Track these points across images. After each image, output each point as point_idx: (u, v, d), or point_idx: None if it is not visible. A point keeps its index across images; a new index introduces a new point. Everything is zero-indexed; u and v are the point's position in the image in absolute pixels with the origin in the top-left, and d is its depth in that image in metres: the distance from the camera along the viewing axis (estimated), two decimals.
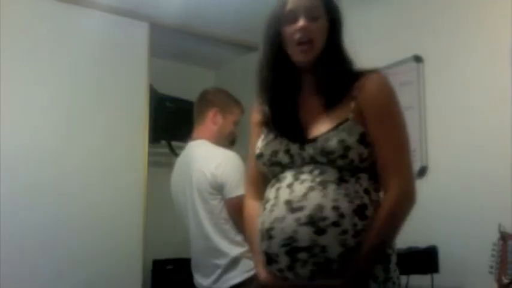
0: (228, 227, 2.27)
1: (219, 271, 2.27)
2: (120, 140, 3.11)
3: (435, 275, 2.37)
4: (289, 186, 1.37)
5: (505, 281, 1.98)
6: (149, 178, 3.19)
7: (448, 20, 2.64)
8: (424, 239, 2.40)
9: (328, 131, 1.38)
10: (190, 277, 2.46)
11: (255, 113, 1.59)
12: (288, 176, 1.40)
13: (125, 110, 3.17)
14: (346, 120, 1.39)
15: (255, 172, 1.56)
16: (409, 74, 2.76)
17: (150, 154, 3.28)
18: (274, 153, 1.44)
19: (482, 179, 2.38)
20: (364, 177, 1.40)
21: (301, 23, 1.41)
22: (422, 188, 2.57)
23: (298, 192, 1.35)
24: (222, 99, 2.52)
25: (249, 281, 2.12)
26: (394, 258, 1.44)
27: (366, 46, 2.88)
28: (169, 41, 3.72)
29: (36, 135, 2.86)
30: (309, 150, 1.39)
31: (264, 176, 1.52)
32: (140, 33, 3.28)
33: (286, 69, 1.47)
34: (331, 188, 1.34)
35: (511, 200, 2.21)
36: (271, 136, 1.47)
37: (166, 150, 3.78)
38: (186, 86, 4.01)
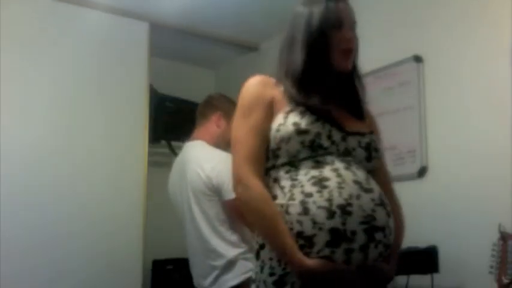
0: (224, 229, 2.27)
1: (216, 272, 2.27)
2: (120, 140, 3.11)
3: (435, 275, 2.37)
4: (348, 169, 1.38)
5: (505, 281, 1.98)
6: (149, 178, 3.19)
7: (448, 20, 2.64)
8: (424, 239, 2.40)
9: (371, 133, 1.51)
10: (190, 277, 2.46)
11: (269, 87, 1.50)
12: (337, 161, 1.39)
13: (125, 110, 3.17)
14: (372, 132, 1.54)
15: (258, 148, 1.43)
16: (409, 74, 2.76)
17: (150, 154, 3.28)
18: (318, 135, 1.40)
19: (482, 179, 2.38)
20: None
21: (350, 33, 1.49)
22: (422, 188, 2.60)
23: (360, 175, 1.39)
24: (227, 105, 2.52)
25: (246, 283, 2.12)
26: None
27: (366, 46, 2.89)
28: (169, 41, 3.72)
29: (36, 135, 2.86)
30: (352, 142, 1.44)
31: (265, 155, 1.44)
32: (140, 33, 3.28)
33: (325, 69, 1.48)
34: (371, 180, 1.42)
35: (511, 200, 2.21)
36: (312, 117, 1.41)
37: (166, 150, 3.78)
38: (186, 86, 4.01)
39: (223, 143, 2.46)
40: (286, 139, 1.40)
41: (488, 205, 2.32)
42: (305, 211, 1.32)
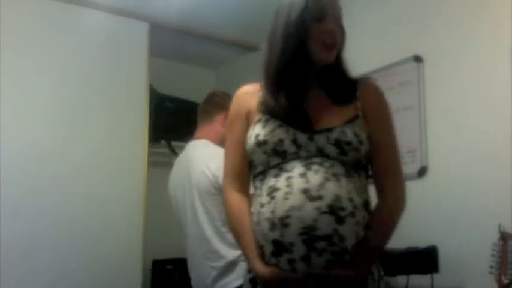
0: (226, 229, 2.25)
1: (214, 274, 2.26)
2: (120, 140, 3.11)
3: (435, 275, 2.37)
4: (303, 175, 1.36)
5: (505, 281, 1.98)
6: (149, 178, 3.19)
7: (448, 19, 2.64)
8: (424, 239, 2.40)
9: (344, 124, 1.41)
10: (190, 277, 2.46)
11: (245, 99, 1.56)
12: (297, 166, 1.38)
13: (125, 110, 3.17)
14: (357, 116, 1.45)
15: (239, 163, 1.52)
16: (409, 74, 2.76)
17: (150, 154, 3.28)
18: (280, 141, 1.40)
19: (482, 179, 2.38)
20: (362, 174, 1.45)
21: (332, 27, 1.46)
22: (422, 188, 2.60)
23: (314, 181, 1.34)
24: (230, 103, 2.51)
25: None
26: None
27: (366, 46, 2.90)
28: (169, 41, 3.72)
29: (36, 135, 2.86)
30: (320, 140, 1.39)
31: (248, 168, 1.51)
32: (140, 33, 3.28)
33: (302, 62, 1.47)
34: (343, 180, 1.37)
35: (511, 200, 2.21)
36: (275, 123, 1.43)
37: (166, 150, 3.78)
38: (186, 86, 4.01)
39: None
40: (251, 151, 1.46)
41: (488, 205, 2.32)
42: (257, 222, 1.40)
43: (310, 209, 1.32)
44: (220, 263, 2.24)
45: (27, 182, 2.78)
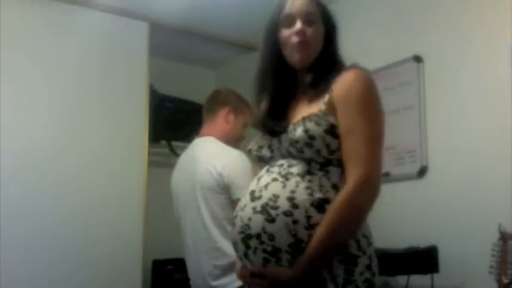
0: (231, 228, 2.24)
1: (217, 272, 2.25)
2: (120, 140, 3.11)
3: (435, 275, 2.37)
4: (259, 178, 1.45)
5: (505, 281, 1.98)
6: (149, 178, 3.19)
7: (448, 20, 2.64)
8: (424, 239, 2.40)
9: (297, 121, 1.42)
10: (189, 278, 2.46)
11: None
12: (263, 170, 1.48)
13: (125, 110, 3.16)
14: (318, 110, 1.41)
15: None
16: (409, 74, 2.76)
17: (150, 154, 3.27)
18: (260, 148, 1.53)
19: (482, 179, 2.38)
20: (334, 171, 1.39)
21: (298, 26, 1.48)
22: (423, 188, 2.60)
23: (262, 183, 1.42)
24: (234, 99, 2.51)
25: None
26: (363, 261, 1.36)
27: (366, 46, 2.90)
28: (169, 41, 3.72)
29: (36, 135, 2.85)
30: (285, 142, 1.45)
31: None
32: (140, 33, 3.28)
33: (282, 71, 1.54)
34: (293, 180, 1.38)
35: (511, 200, 2.21)
36: (261, 135, 1.56)
37: (166, 150, 3.78)
38: (186, 86, 4.01)
39: (232, 139, 2.44)
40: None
41: (488, 205, 2.32)
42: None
43: (248, 209, 1.41)
44: (224, 262, 2.22)
45: (27, 182, 2.78)
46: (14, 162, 2.75)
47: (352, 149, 1.36)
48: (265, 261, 1.36)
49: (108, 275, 2.92)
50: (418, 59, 2.74)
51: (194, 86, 4.09)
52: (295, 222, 1.33)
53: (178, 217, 2.46)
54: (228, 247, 2.21)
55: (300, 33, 1.48)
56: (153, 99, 3.50)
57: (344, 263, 1.34)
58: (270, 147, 1.50)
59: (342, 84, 1.42)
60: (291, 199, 1.35)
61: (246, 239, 1.39)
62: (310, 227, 1.33)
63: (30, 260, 2.72)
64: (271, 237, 1.34)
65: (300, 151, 1.40)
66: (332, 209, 1.33)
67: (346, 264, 1.34)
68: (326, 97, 1.43)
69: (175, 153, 3.69)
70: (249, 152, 1.58)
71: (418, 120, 2.68)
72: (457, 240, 2.40)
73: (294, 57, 1.50)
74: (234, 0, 3.27)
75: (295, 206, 1.34)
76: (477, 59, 2.49)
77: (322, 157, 1.38)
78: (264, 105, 1.55)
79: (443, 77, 2.63)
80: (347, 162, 1.37)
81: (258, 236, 1.36)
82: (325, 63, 1.51)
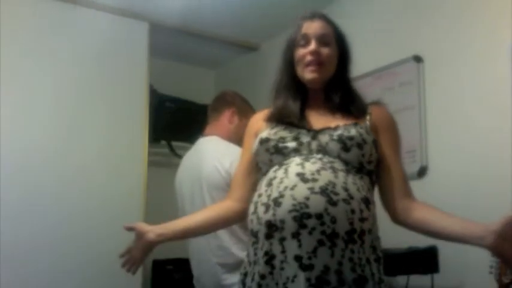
0: (238, 226, 2.24)
1: (222, 271, 2.25)
2: (120, 140, 3.11)
3: (435, 275, 2.37)
4: (300, 164, 1.40)
5: (505, 281, 1.98)
6: (149, 178, 3.19)
7: (448, 19, 2.64)
8: (424, 239, 2.38)
9: (348, 124, 1.46)
10: (190, 277, 2.46)
11: (257, 119, 1.66)
12: (297, 159, 1.43)
13: (125, 110, 3.17)
14: (364, 122, 1.50)
15: (243, 176, 1.64)
16: (409, 74, 2.76)
17: (150, 154, 3.28)
18: (282, 139, 1.47)
19: (482, 179, 2.38)
20: (366, 179, 1.46)
21: (312, 46, 1.52)
22: (423, 188, 2.57)
23: (310, 168, 1.38)
24: (240, 102, 2.51)
25: None
26: (382, 263, 1.45)
27: (366, 46, 2.90)
28: (169, 41, 3.72)
29: (36, 135, 2.86)
30: (323, 138, 1.44)
31: (249, 181, 1.59)
32: (140, 33, 3.28)
33: (294, 86, 1.58)
34: (341, 174, 1.39)
35: (511, 200, 2.21)
36: (281, 127, 1.51)
37: (166, 150, 3.78)
38: (186, 86, 4.02)
39: (236, 140, 2.44)
40: (256, 153, 1.53)
41: (488, 205, 2.32)
42: (254, 210, 1.43)
43: (302, 188, 1.35)
44: (228, 261, 2.22)
45: (27, 182, 2.78)
46: (14, 162, 2.75)
47: (403, 176, 1.54)
48: (319, 243, 1.32)
49: (108, 275, 2.91)
50: (418, 59, 2.74)
51: (194, 86, 4.10)
52: (352, 211, 1.35)
53: (183, 215, 2.46)
54: (233, 246, 2.21)
55: (314, 53, 1.51)
56: (153, 99, 3.51)
57: (377, 262, 1.42)
58: (296, 139, 1.46)
59: (383, 115, 1.57)
60: (346, 189, 1.36)
61: (301, 218, 1.32)
62: (362, 220, 1.37)
63: (30, 259, 2.72)
64: (333, 220, 1.32)
65: (346, 149, 1.42)
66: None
67: (378, 263, 1.42)
68: (367, 118, 1.52)
69: (175, 153, 3.70)
70: (265, 142, 1.50)
71: (418, 120, 2.68)
72: None
73: (308, 75, 1.53)
74: (234, 1, 3.27)
75: (350, 196, 1.36)
76: (477, 59, 2.49)
77: (359, 163, 1.44)
78: (281, 102, 1.57)
79: (443, 77, 2.63)
80: (401, 183, 1.53)
81: (320, 216, 1.32)
82: (340, 84, 1.56)
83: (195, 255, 2.41)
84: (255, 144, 1.53)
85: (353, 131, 1.44)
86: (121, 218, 3.03)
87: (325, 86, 1.56)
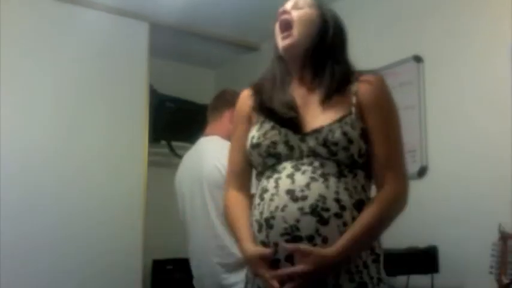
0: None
1: (222, 271, 2.25)
2: (120, 140, 3.11)
3: (435, 275, 2.37)
4: (290, 176, 1.36)
5: (505, 281, 1.98)
6: (149, 178, 3.19)
7: (448, 19, 2.64)
8: (424, 239, 2.40)
9: (333, 123, 1.38)
10: (190, 277, 2.46)
11: (245, 100, 1.57)
12: (288, 167, 1.38)
13: (125, 110, 3.17)
14: (349, 113, 1.40)
15: (240, 163, 1.55)
16: (409, 74, 2.76)
17: (150, 154, 3.28)
18: (273, 144, 1.41)
19: (482, 179, 2.38)
20: (360, 174, 1.41)
21: (285, 7, 1.47)
22: (423, 188, 2.60)
23: (300, 182, 1.34)
24: None
25: None
26: (382, 260, 1.42)
27: (366, 46, 2.90)
28: (169, 41, 3.72)
29: (36, 135, 2.86)
30: (310, 141, 1.38)
31: (249, 168, 1.53)
32: (140, 33, 3.28)
33: (280, 62, 1.51)
34: (332, 180, 1.34)
35: (511, 200, 2.21)
36: (268, 125, 1.44)
37: (166, 150, 3.78)
38: (186, 86, 4.02)
39: None
40: (249, 153, 1.47)
41: (488, 205, 2.32)
42: (251, 224, 1.42)
43: (293, 210, 1.32)
44: (229, 261, 2.21)
45: (27, 182, 2.78)
46: (14, 162, 2.75)
47: (389, 156, 1.41)
48: None
49: (108, 274, 2.92)
50: (418, 59, 2.74)
51: (194, 86, 4.10)
52: (345, 224, 1.32)
53: (184, 215, 2.46)
54: (233, 246, 2.20)
55: (284, 12, 1.45)
56: (153, 99, 3.51)
57: (376, 262, 1.39)
58: (287, 143, 1.40)
59: (371, 89, 1.43)
60: (337, 200, 1.33)
61: (293, 241, 1.31)
62: None
63: (30, 259, 2.72)
64: (325, 240, 1.30)
65: (333, 153, 1.36)
66: (382, 202, 1.37)
67: (376, 264, 1.39)
68: (353, 99, 1.42)
69: (175, 153, 3.70)
70: (256, 147, 1.43)
71: (418, 120, 2.68)
72: (457, 240, 2.39)
73: (280, 45, 1.47)
74: (234, 0, 3.27)
75: (343, 207, 1.33)
76: (477, 59, 2.49)
77: (351, 161, 1.38)
78: (268, 91, 1.49)
79: (443, 77, 2.63)
80: (383, 167, 1.40)
81: (311, 238, 1.30)
82: (323, 54, 1.46)
83: (195, 255, 2.41)
84: (248, 143, 1.47)
85: (337, 134, 1.35)
86: (121, 218, 3.04)
87: (306, 58, 1.47)
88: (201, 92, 3.90)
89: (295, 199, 1.33)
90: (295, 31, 1.44)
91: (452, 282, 2.39)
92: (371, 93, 1.43)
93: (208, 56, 4.13)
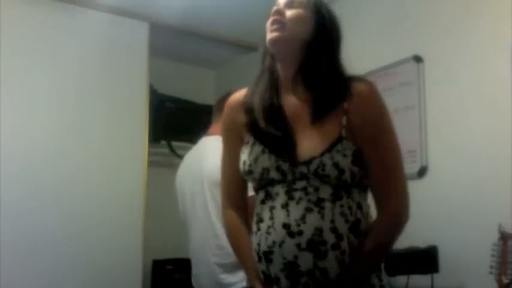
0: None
1: (221, 271, 2.25)
2: (120, 140, 3.11)
3: (435, 275, 2.37)
4: (284, 206, 1.34)
5: (505, 281, 1.98)
6: (149, 178, 3.19)
7: (448, 20, 2.64)
8: (424, 239, 2.40)
9: (323, 153, 1.33)
10: (190, 277, 2.46)
11: (236, 114, 1.51)
12: (281, 194, 1.36)
13: (125, 110, 3.16)
14: (339, 138, 1.35)
15: (232, 178, 1.52)
16: (409, 74, 2.76)
17: (150, 154, 3.28)
18: (266, 171, 1.38)
19: (482, 179, 2.38)
20: (355, 191, 1.38)
21: (277, 7, 1.41)
22: (423, 188, 2.60)
23: (295, 215, 1.32)
24: None
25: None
26: (382, 265, 1.44)
27: (366, 46, 2.90)
28: (169, 41, 3.72)
29: (36, 135, 2.86)
30: (302, 169, 1.35)
31: (243, 183, 1.52)
32: (140, 33, 3.28)
33: (270, 62, 1.48)
34: (328, 207, 1.32)
35: (511, 200, 2.21)
36: (259, 149, 1.40)
37: (166, 150, 3.78)
38: (186, 86, 4.02)
39: None
40: (244, 175, 1.45)
41: (488, 205, 2.32)
42: (251, 249, 1.42)
43: (290, 246, 1.32)
44: (227, 261, 2.22)
45: (28, 182, 2.78)
46: (14, 162, 2.75)
47: (385, 179, 1.38)
48: None
49: (108, 275, 2.92)
50: (418, 59, 2.74)
51: (194, 86, 4.10)
52: (342, 253, 1.32)
53: (184, 214, 2.46)
54: None
55: (276, 12, 1.39)
56: (153, 99, 3.51)
57: (375, 271, 1.40)
58: (278, 169, 1.36)
59: (362, 105, 1.37)
60: (334, 230, 1.32)
61: (294, 276, 1.32)
62: (353, 252, 1.33)
63: (30, 259, 2.72)
64: (324, 272, 1.31)
65: (325, 182, 1.33)
66: (378, 238, 1.35)
67: (377, 272, 1.40)
68: (343, 120, 1.36)
69: (175, 153, 3.70)
70: (249, 173, 1.41)
71: (418, 120, 2.68)
72: (457, 240, 2.40)
73: (267, 37, 1.40)
74: (234, 0, 3.27)
75: (339, 237, 1.32)
76: (477, 59, 2.49)
77: (344, 184, 1.35)
78: (257, 105, 1.43)
79: (443, 77, 2.63)
80: (381, 190, 1.39)
81: (310, 273, 1.31)
82: (315, 63, 1.40)
83: (195, 254, 2.41)
84: (240, 165, 1.44)
85: (328, 167, 1.31)
86: (121, 218, 3.04)
87: (297, 61, 1.41)
88: (201, 92, 3.91)
89: (291, 235, 1.32)
90: (287, 31, 1.38)
91: (452, 282, 2.39)
92: (363, 110, 1.37)
93: (208, 56, 4.13)
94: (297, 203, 1.33)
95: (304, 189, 1.34)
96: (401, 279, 2.43)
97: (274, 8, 1.41)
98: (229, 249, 2.19)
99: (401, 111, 2.73)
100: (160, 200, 3.05)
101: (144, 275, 3.17)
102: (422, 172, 2.64)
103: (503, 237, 2.03)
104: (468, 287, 2.36)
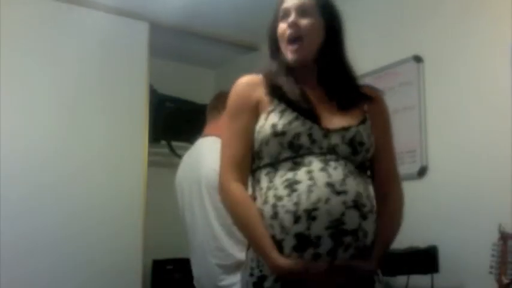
0: (235, 227, 2.22)
1: (221, 272, 2.25)
2: (120, 140, 3.11)
3: (435, 275, 2.37)
4: (323, 170, 1.35)
5: (505, 281, 1.98)
6: (149, 178, 3.19)
7: (448, 19, 2.64)
8: (424, 239, 2.40)
9: (358, 125, 1.44)
10: (190, 277, 2.46)
11: (253, 87, 1.51)
12: (314, 161, 1.37)
13: (125, 110, 3.17)
14: (365, 119, 1.47)
15: (242, 154, 1.46)
16: (409, 74, 2.76)
17: (150, 154, 3.28)
18: (297, 135, 1.38)
19: (482, 179, 2.38)
20: (365, 175, 1.48)
21: (291, 18, 1.46)
22: (422, 188, 2.60)
23: (336, 176, 1.35)
24: None
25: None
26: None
27: (366, 46, 2.90)
28: (169, 41, 3.72)
29: (36, 135, 2.86)
30: (334, 138, 1.40)
31: (250, 160, 1.47)
32: (140, 33, 3.28)
33: (281, 64, 1.52)
34: (358, 179, 1.40)
35: (511, 200, 2.21)
36: (291, 116, 1.41)
37: (166, 150, 3.78)
38: (186, 86, 4.02)
39: None
40: (266, 141, 1.41)
41: (488, 205, 2.32)
42: (275, 215, 1.35)
43: (337, 203, 1.31)
44: (228, 262, 2.22)
45: (27, 182, 2.78)
46: (14, 162, 2.75)
47: (394, 169, 1.56)
48: (352, 258, 1.33)
49: (108, 275, 2.92)
50: (418, 59, 2.74)
51: (194, 86, 4.10)
52: (375, 221, 1.40)
53: (183, 216, 2.46)
54: (232, 247, 2.20)
55: (292, 25, 1.45)
56: (153, 99, 3.51)
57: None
58: (310, 136, 1.39)
59: (380, 105, 1.55)
60: (368, 197, 1.39)
61: (339, 235, 1.30)
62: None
63: (30, 259, 2.72)
64: (365, 235, 1.35)
65: (355, 153, 1.41)
66: (396, 217, 1.49)
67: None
68: (365, 107, 1.50)
69: (175, 153, 3.70)
70: (280, 135, 1.38)
71: (418, 120, 2.68)
72: (457, 240, 2.40)
73: (288, 55, 1.48)
74: (234, 0, 3.27)
75: (372, 205, 1.40)
76: (477, 59, 2.49)
77: (363, 163, 1.45)
78: (282, 80, 1.48)
79: (443, 77, 2.63)
80: (389, 176, 1.54)
81: (355, 232, 1.32)
82: (332, 59, 1.50)
83: (195, 256, 2.41)
84: (264, 130, 1.41)
85: (364, 136, 1.43)
86: (121, 218, 3.04)
87: (315, 63, 1.49)
88: (201, 92, 3.90)
89: (337, 193, 1.33)
90: (306, 46, 1.46)
91: (452, 282, 2.39)
92: (379, 109, 1.54)
93: (208, 56, 4.13)
94: (335, 169, 1.37)
95: (336, 160, 1.38)
96: (401, 279, 2.44)
97: (290, 20, 1.46)
98: (229, 250, 2.22)
99: (401, 111, 2.73)
100: (160, 200, 3.05)
101: (144, 275, 3.18)
102: (422, 172, 2.64)
103: (503, 237, 2.03)
104: (468, 287, 2.36)
